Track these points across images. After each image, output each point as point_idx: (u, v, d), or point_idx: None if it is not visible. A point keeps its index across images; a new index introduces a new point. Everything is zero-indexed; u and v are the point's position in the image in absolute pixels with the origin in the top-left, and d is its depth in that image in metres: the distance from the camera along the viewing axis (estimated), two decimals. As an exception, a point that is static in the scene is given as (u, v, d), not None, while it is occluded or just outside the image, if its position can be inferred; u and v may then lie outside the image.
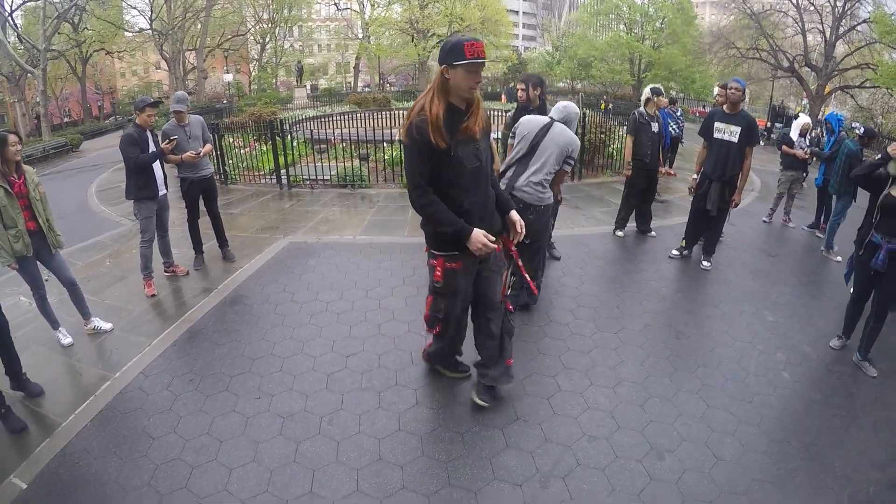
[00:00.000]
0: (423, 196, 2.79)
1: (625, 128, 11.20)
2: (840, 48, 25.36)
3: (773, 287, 5.45)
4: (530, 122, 4.25)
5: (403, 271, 5.49)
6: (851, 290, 4.36)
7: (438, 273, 3.02)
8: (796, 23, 25.99)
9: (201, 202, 5.74)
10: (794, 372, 3.97)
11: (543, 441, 3.11)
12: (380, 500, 2.71)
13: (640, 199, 6.70)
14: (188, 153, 5.22)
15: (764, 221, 7.90)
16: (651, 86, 6.62)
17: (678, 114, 10.07)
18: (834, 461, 3.09)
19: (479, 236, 2.80)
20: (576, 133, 4.43)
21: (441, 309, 3.17)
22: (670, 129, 8.87)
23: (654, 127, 6.37)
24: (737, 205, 5.57)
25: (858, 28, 24.48)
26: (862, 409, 3.59)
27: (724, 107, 5.45)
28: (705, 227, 5.81)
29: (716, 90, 6.09)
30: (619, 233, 6.76)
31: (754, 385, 3.77)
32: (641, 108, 6.45)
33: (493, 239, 2.86)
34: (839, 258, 6.31)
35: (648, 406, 3.45)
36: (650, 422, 3.31)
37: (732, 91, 5.27)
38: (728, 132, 5.29)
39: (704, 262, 5.79)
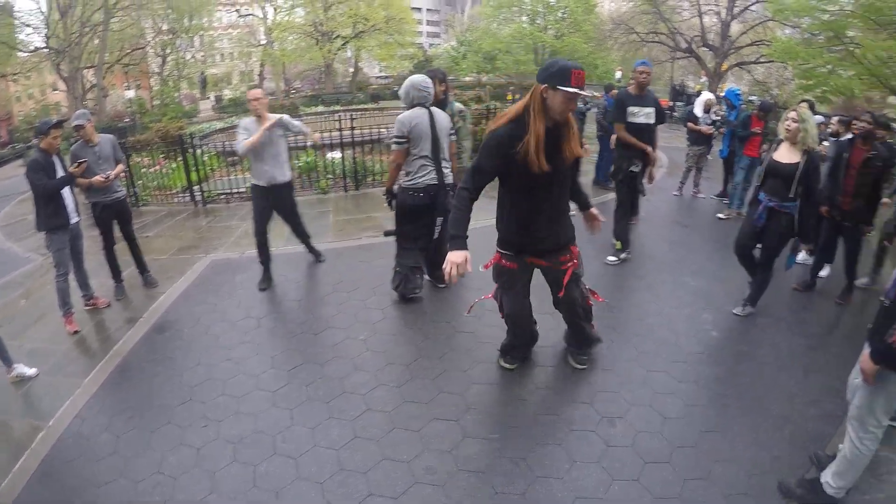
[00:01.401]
0: (462, 196, 2.87)
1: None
2: (735, 27, 27.07)
3: (691, 255, 5.81)
4: (416, 118, 4.20)
5: (332, 278, 5.41)
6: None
7: (487, 264, 3.31)
8: (693, 6, 27.52)
9: (116, 227, 5.40)
10: (721, 330, 4.28)
11: (500, 425, 3.18)
12: (349, 510, 2.68)
13: None
14: (97, 177, 4.86)
15: (675, 195, 8.41)
16: None
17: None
18: (770, 405, 3.35)
19: (455, 257, 2.73)
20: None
21: (500, 301, 3.47)
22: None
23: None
24: (653, 179, 5.66)
25: (752, 8, 26.18)
26: (789, 356, 3.90)
27: (630, 88, 5.43)
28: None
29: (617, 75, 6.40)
30: None
31: (686, 346, 4.02)
32: None
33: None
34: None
35: (593, 378, 3.61)
36: (597, 392, 3.46)
37: (643, 75, 5.30)
38: (644, 115, 5.31)
39: (611, 258, 5.60)
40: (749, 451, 2.99)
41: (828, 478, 2.60)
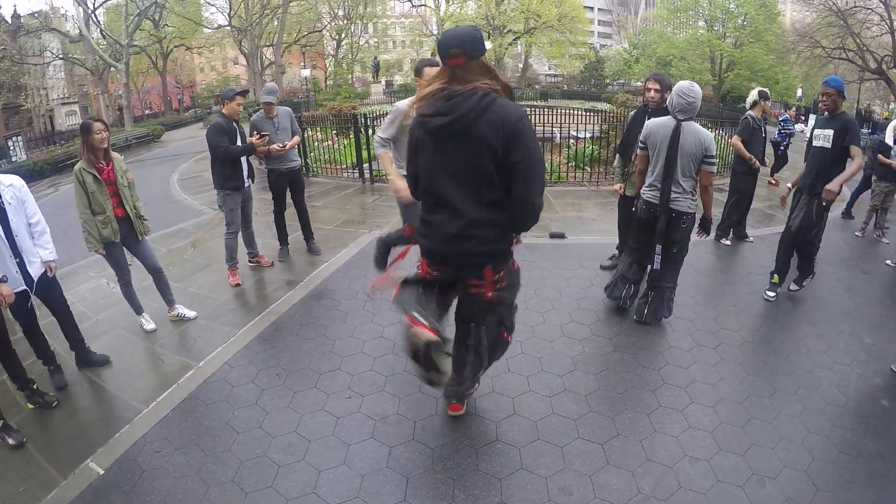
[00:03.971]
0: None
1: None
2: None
3: (869, 307, 5.04)
4: (659, 128, 3.92)
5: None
6: None
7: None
8: (883, 21, 24.10)
9: (288, 194, 5.78)
10: (893, 399, 3.66)
11: (644, 460, 2.96)
12: (475, 516, 2.59)
13: (746, 205, 6.54)
14: (274, 145, 5.26)
15: (857, 235, 7.32)
16: (758, 89, 6.33)
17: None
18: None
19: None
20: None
21: None
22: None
23: (763, 131, 6.18)
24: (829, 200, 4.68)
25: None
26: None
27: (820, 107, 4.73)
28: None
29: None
30: (725, 241, 6.53)
31: (854, 411, 3.50)
32: (751, 112, 6.22)
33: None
34: None
35: (749, 428, 3.24)
36: (751, 445, 3.10)
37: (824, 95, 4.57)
38: (823, 137, 4.60)
39: (793, 286, 5.12)
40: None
41: None
